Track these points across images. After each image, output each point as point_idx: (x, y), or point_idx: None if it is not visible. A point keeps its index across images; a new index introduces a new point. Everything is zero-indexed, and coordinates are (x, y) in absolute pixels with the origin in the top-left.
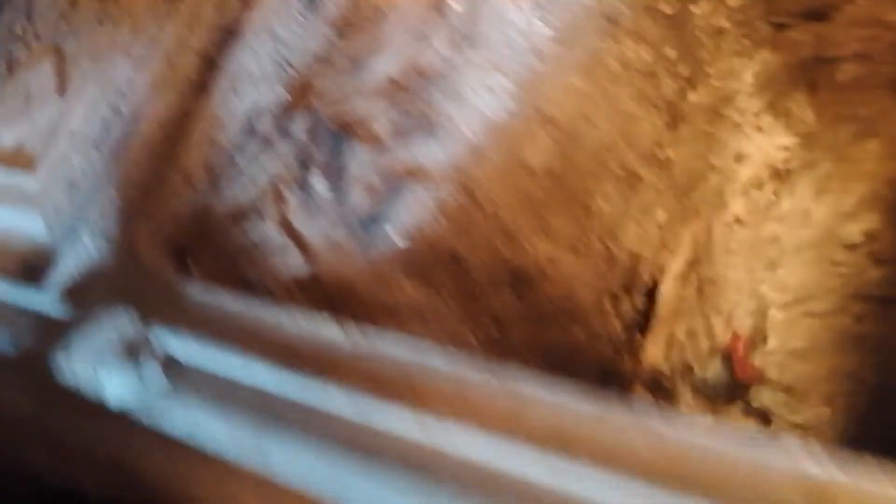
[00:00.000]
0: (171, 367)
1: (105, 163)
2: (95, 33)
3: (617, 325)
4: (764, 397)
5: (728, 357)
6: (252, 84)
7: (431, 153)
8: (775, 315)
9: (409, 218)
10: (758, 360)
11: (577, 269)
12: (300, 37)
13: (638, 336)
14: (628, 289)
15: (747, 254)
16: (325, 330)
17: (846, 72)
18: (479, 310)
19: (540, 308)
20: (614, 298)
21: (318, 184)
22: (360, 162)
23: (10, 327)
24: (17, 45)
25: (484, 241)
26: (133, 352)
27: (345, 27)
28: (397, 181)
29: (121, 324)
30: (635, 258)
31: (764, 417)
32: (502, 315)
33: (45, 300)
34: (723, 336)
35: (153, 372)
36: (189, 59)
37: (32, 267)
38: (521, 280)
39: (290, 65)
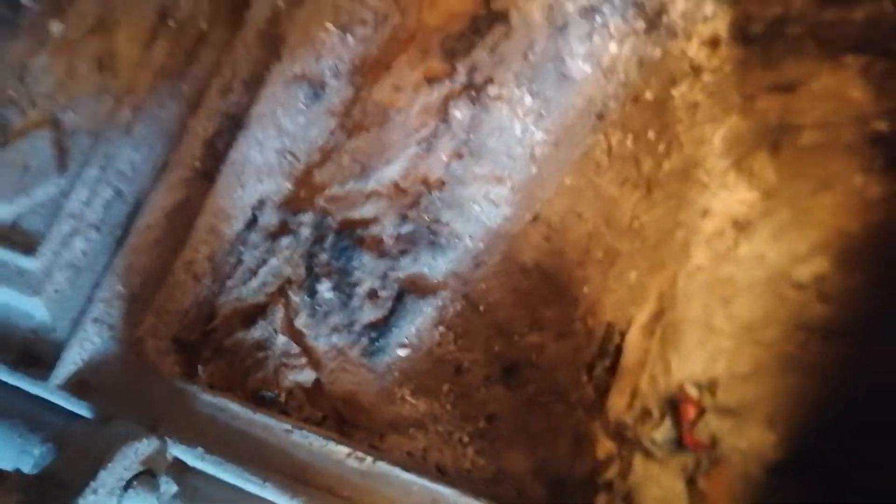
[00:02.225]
0: (182, 475)
1: (107, 246)
2: (94, 107)
3: (590, 391)
4: (710, 422)
5: (678, 420)
6: (256, 176)
7: (434, 263)
8: (724, 343)
9: (411, 328)
10: (703, 430)
11: (560, 351)
12: (304, 128)
13: (605, 392)
14: (602, 354)
15: (704, 293)
16: (332, 449)
17: (807, 137)
18: (474, 408)
19: (527, 395)
20: (590, 368)
21: (324, 289)
22: (364, 269)
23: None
24: (11, 109)
25: (480, 342)
26: (153, 480)
27: (351, 127)
28: (401, 291)
29: (141, 449)
30: (610, 326)
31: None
32: (494, 410)
33: (49, 394)
34: (677, 387)
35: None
36: (193, 145)
37: (35, 355)
38: (511, 372)
39: (295, 157)
